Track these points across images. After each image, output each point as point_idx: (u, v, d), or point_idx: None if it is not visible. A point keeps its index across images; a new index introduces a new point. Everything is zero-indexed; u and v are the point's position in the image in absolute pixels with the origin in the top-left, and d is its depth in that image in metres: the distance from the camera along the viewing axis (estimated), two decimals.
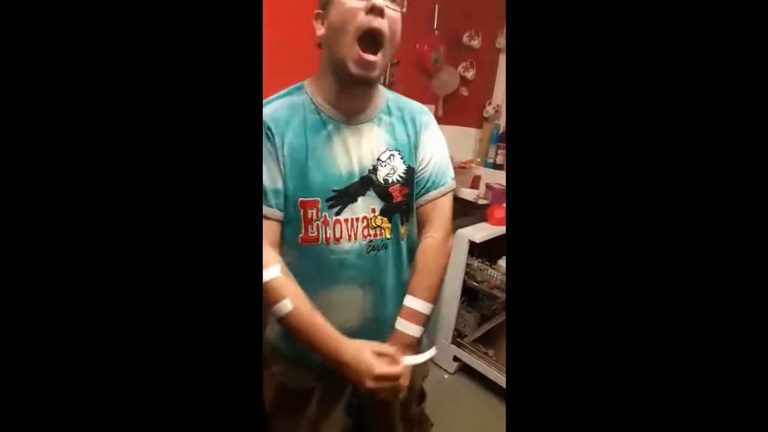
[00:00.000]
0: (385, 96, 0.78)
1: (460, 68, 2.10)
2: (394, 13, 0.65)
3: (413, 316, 0.76)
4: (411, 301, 0.77)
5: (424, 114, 0.81)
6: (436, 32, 1.99)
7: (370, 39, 0.63)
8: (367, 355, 0.68)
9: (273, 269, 0.69)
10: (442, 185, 0.79)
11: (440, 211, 0.80)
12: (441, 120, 2.19)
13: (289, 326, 0.70)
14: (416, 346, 0.78)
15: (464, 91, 2.16)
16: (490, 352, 1.78)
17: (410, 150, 0.76)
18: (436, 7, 1.96)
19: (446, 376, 1.85)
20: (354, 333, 0.76)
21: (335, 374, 0.81)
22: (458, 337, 1.83)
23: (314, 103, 0.72)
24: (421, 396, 0.99)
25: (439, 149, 0.80)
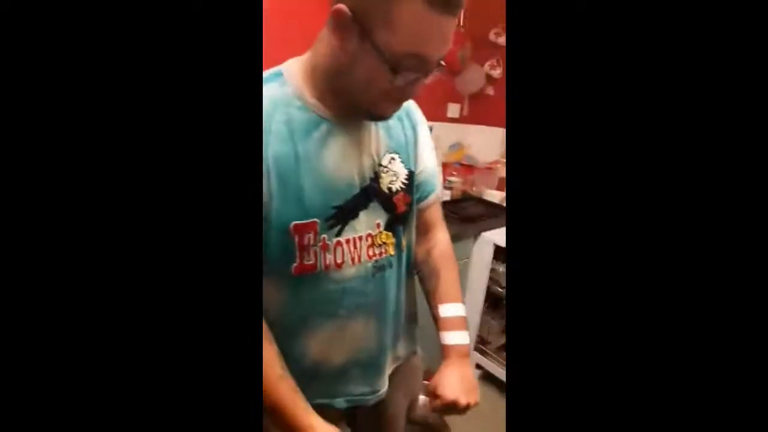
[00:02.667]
0: None
1: (486, 66, 2.04)
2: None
3: (459, 323, 0.70)
4: (451, 309, 0.70)
5: (416, 108, 0.71)
6: (462, 29, 1.95)
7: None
8: None
9: None
10: (438, 187, 0.75)
11: (439, 212, 0.77)
12: (467, 119, 2.16)
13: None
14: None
15: (490, 90, 2.10)
16: None
17: (408, 151, 0.67)
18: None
19: None
20: (359, 366, 0.69)
21: (361, 414, 0.75)
22: (480, 344, 1.78)
23: (301, 99, 0.57)
24: None
25: (431, 148, 0.73)
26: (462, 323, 0.70)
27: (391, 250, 0.67)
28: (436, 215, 0.76)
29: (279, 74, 0.58)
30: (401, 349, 0.78)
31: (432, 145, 0.74)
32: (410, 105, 0.70)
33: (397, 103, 0.58)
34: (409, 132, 0.68)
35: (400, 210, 0.66)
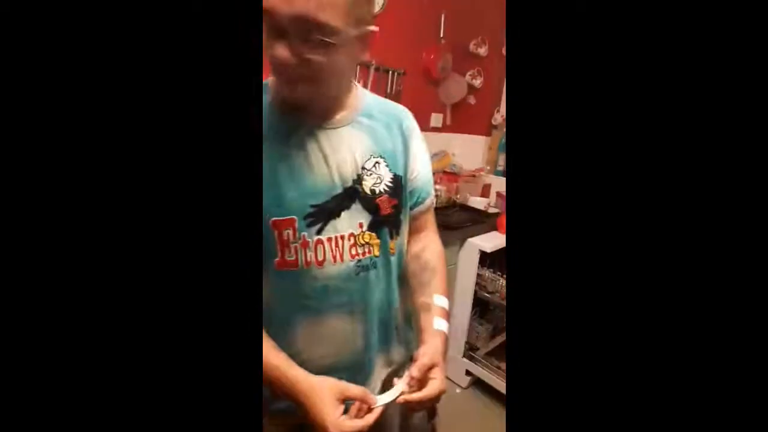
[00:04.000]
0: (364, 97, 0.69)
1: (467, 76, 2.08)
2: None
3: (446, 313, 0.72)
4: (441, 300, 0.73)
5: (410, 119, 0.74)
6: (443, 41, 1.99)
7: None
8: (328, 402, 0.56)
9: None
10: (432, 193, 0.78)
11: (432, 218, 0.80)
12: (449, 128, 2.19)
13: None
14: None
15: (472, 99, 2.14)
16: (503, 366, 1.73)
17: (397, 157, 0.69)
18: (443, 15, 1.95)
19: (458, 390, 1.79)
20: (344, 368, 0.67)
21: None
22: (470, 351, 1.78)
23: (278, 104, 0.61)
24: (432, 411, 0.94)
25: (426, 156, 0.76)
26: (445, 313, 0.72)
27: (376, 251, 0.67)
28: (429, 220, 0.79)
29: (265, 85, 0.63)
30: (396, 354, 0.77)
31: (427, 154, 0.76)
32: (403, 115, 0.73)
33: (287, 81, 0.55)
34: (398, 139, 0.70)
35: (385, 212, 0.67)
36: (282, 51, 0.51)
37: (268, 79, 0.62)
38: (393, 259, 0.71)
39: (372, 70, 1.71)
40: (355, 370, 0.70)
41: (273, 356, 0.60)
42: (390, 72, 1.80)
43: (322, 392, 0.57)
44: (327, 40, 0.50)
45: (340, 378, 0.63)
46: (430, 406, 0.65)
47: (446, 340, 0.71)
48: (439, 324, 0.70)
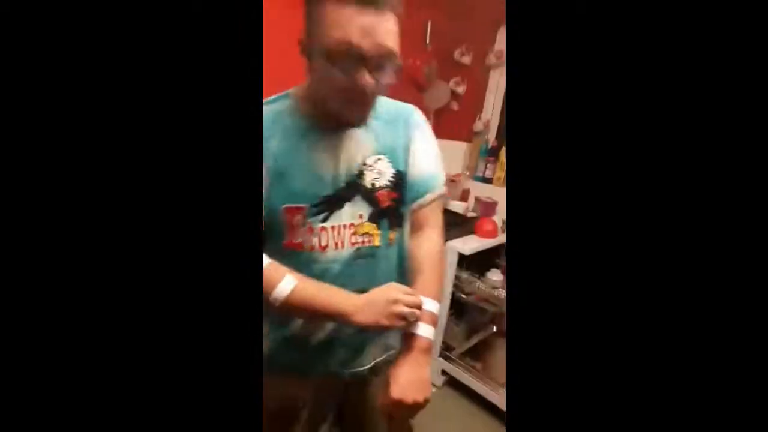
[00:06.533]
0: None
1: (451, 83, 2.13)
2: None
3: (429, 317, 0.70)
4: (429, 304, 0.70)
5: (415, 116, 0.79)
6: (429, 48, 2.04)
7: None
8: (387, 291, 0.67)
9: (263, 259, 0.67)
10: (437, 189, 0.79)
11: (435, 214, 0.80)
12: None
13: (296, 302, 0.65)
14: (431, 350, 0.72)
15: (455, 106, 2.19)
16: (478, 366, 1.78)
17: (398, 153, 0.74)
18: (429, 23, 2.00)
19: (433, 389, 1.84)
20: (341, 344, 0.77)
21: (324, 385, 0.82)
22: (446, 350, 1.83)
23: (300, 111, 0.70)
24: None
25: (432, 151, 0.79)
26: (432, 318, 0.70)
27: (377, 242, 0.74)
28: (429, 215, 0.79)
29: (287, 95, 0.72)
30: (393, 340, 0.84)
31: (434, 151, 0.79)
32: (409, 112, 0.79)
33: (358, 104, 0.63)
34: (402, 135, 0.75)
35: (384, 204, 0.73)
36: (368, 78, 0.59)
37: (291, 90, 0.72)
38: (391, 250, 0.76)
39: None
40: (352, 347, 0.79)
41: (329, 288, 0.68)
42: None
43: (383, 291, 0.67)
44: (394, 64, 0.60)
45: (337, 354, 0.77)
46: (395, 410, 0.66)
47: (426, 346, 0.69)
48: (423, 330, 0.69)
